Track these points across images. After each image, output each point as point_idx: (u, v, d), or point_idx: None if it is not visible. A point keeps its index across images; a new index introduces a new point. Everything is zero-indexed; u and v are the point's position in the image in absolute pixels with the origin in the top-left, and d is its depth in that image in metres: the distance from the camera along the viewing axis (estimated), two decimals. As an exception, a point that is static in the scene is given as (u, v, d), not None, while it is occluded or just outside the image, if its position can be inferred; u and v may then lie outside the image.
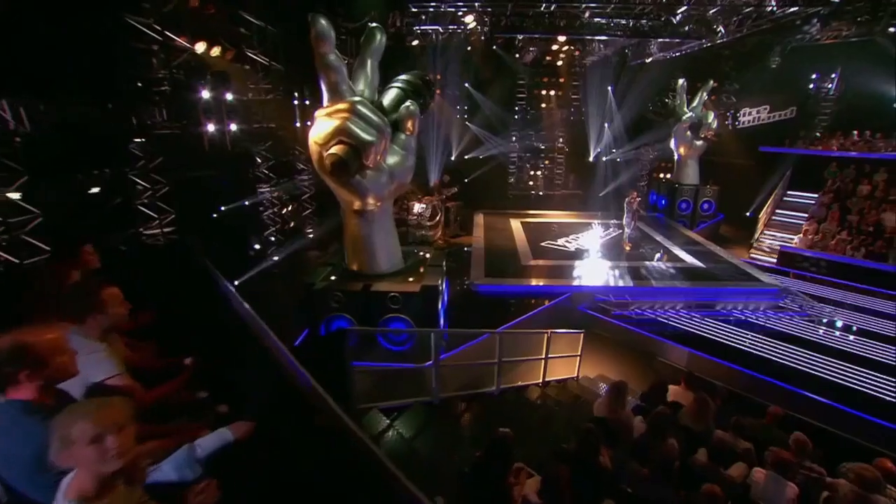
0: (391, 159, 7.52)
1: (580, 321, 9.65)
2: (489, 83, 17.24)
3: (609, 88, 18.36)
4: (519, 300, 9.43)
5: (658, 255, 12.43)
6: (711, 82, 15.87)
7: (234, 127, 8.21)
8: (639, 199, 12.49)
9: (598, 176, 18.89)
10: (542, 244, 12.38)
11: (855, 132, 16.13)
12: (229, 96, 7.97)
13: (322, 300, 7.81)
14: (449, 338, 7.00)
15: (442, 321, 8.41)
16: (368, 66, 7.40)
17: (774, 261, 13.59)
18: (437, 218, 13.05)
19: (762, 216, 15.35)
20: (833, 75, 16.64)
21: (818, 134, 17.27)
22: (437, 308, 7.94)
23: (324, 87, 7.03)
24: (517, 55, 16.31)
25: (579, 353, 7.68)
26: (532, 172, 19.79)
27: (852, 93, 16.27)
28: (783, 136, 17.07)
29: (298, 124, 10.04)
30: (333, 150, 6.83)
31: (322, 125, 6.91)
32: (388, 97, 7.69)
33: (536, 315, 9.30)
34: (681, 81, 15.89)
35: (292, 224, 13.88)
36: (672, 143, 16.51)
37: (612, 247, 12.62)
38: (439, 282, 8.08)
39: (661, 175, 19.17)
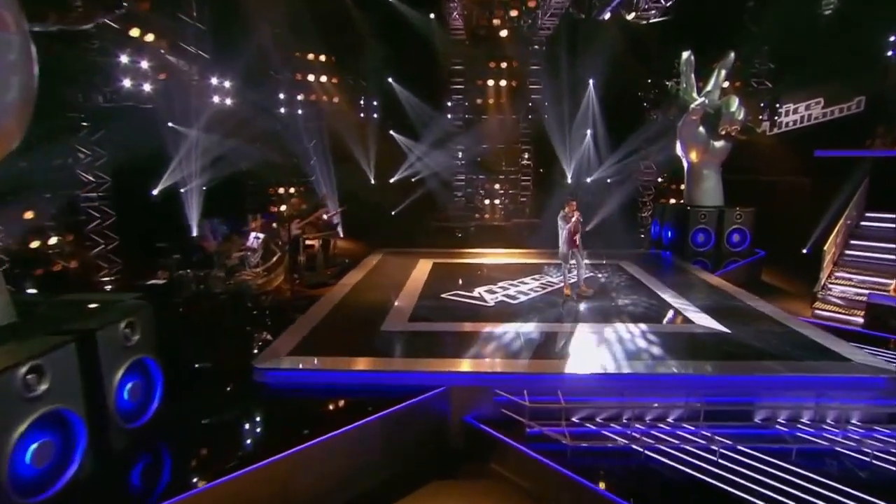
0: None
1: (460, 446, 5.63)
2: (407, 67, 14.01)
3: (590, 81, 14.76)
4: (343, 401, 5.61)
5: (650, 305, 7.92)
6: (732, 55, 12.09)
7: None
8: (578, 212, 8.64)
9: (581, 203, 14.87)
10: (444, 296, 8.88)
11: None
12: None
13: None
14: None
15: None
16: None
17: (859, 320, 9.18)
18: (276, 259, 9.71)
19: (828, 251, 10.77)
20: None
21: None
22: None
23: None
24: (431, 15, 12.65)
25: None
26: (488, 201, 16.18)
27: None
28: (851, 138, 12.76)
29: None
30: None
31: None
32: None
33: (358, 432, 4.96)
34: (685, 55, 12.28)
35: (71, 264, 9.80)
36: (679, 147, 12.73)
37: (560, 298, 8.82)
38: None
39: (669, 199, 15.14)
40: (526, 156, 15.75)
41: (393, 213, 15.53)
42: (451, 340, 6.90)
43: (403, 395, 5.39)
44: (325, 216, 11.34)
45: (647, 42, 13.59)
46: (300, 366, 6.02)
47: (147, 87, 9.08)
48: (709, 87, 12.27)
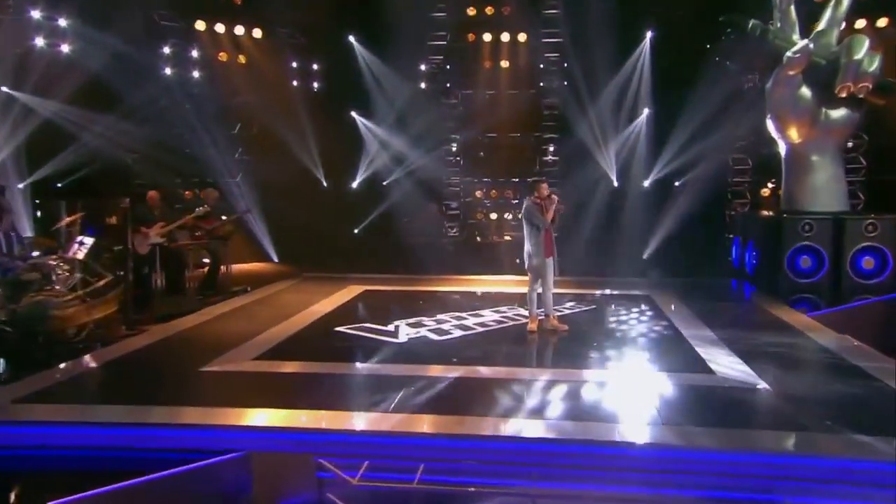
0: None
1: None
2: (365, 16, 14.29)
3: (647, 34, 14.83)
4: (82, 467, 5.39)
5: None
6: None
7: None
8: (557, 199, 8.56)
9: (636, 217, 15.31)
10: (340, 329, 9.32)
11: None
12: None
13: None
14: None
15: None
16: None
17: None
18: (106, 282, 9.32)
19: None
20: None
21: None
22: None
23: None
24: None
25: None
26: (494, 215, 16.34)
27: None
28: None
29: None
30: None
31: None
32: None
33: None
34: (779, -22, 11.84)
35: None
36: (769, 121, 11.91)
37: (518, 336, 8.88)
38: None
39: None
40: (551, 148, 15.42)
41: (356, 230, 15.69)
42: (289, 386, 6.89)
43: (178, 462, 4.94)
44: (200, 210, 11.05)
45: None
46: (24, 416, 5.71)
47: None
48: (821, 26, 11.42)
